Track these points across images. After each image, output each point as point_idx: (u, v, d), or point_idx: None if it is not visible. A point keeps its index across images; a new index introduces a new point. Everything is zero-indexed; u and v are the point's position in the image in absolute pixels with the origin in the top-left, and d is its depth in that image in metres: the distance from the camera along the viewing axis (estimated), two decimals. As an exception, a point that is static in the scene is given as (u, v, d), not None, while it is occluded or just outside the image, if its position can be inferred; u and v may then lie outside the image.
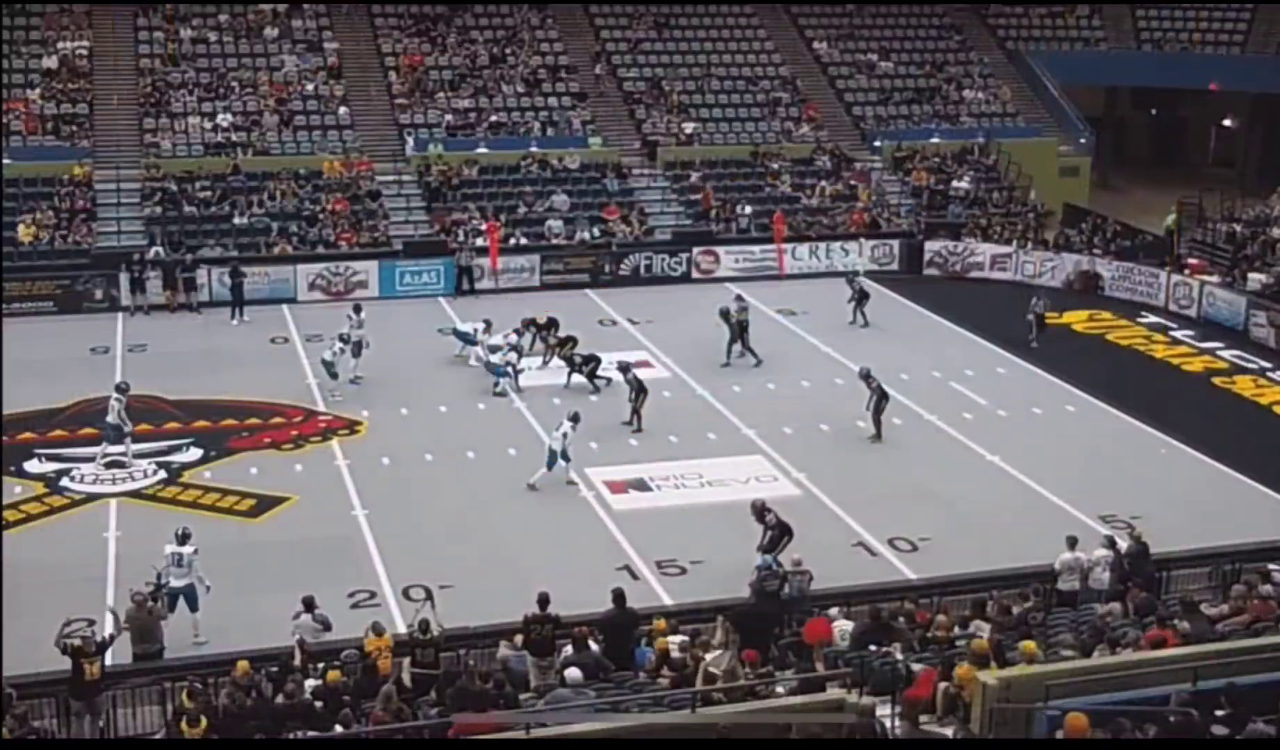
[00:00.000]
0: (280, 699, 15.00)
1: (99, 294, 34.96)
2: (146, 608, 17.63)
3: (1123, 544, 20.33)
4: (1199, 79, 50.96)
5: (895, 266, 39.94)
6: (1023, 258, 39.42)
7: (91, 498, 23.86)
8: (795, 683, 14.61)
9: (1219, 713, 11.11)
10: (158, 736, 15.58)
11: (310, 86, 42.99)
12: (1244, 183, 49.08)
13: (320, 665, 16.18)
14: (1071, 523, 22.04)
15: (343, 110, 42.47)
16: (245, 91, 42.46)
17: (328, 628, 17.67)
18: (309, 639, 17.32)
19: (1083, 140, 47.21)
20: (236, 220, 37.97)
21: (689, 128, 44.15)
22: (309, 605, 17.77)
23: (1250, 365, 32.42)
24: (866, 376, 27.31)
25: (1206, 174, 52.00)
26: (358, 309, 30.44)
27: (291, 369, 30.76)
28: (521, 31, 46.52)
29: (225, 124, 41.08)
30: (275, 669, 16.15)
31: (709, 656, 15.40)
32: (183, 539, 19.19)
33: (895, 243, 40.46)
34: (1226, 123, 55.87)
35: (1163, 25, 51.67)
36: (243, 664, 15.84)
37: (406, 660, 16.55)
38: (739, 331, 31.59)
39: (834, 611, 17.89)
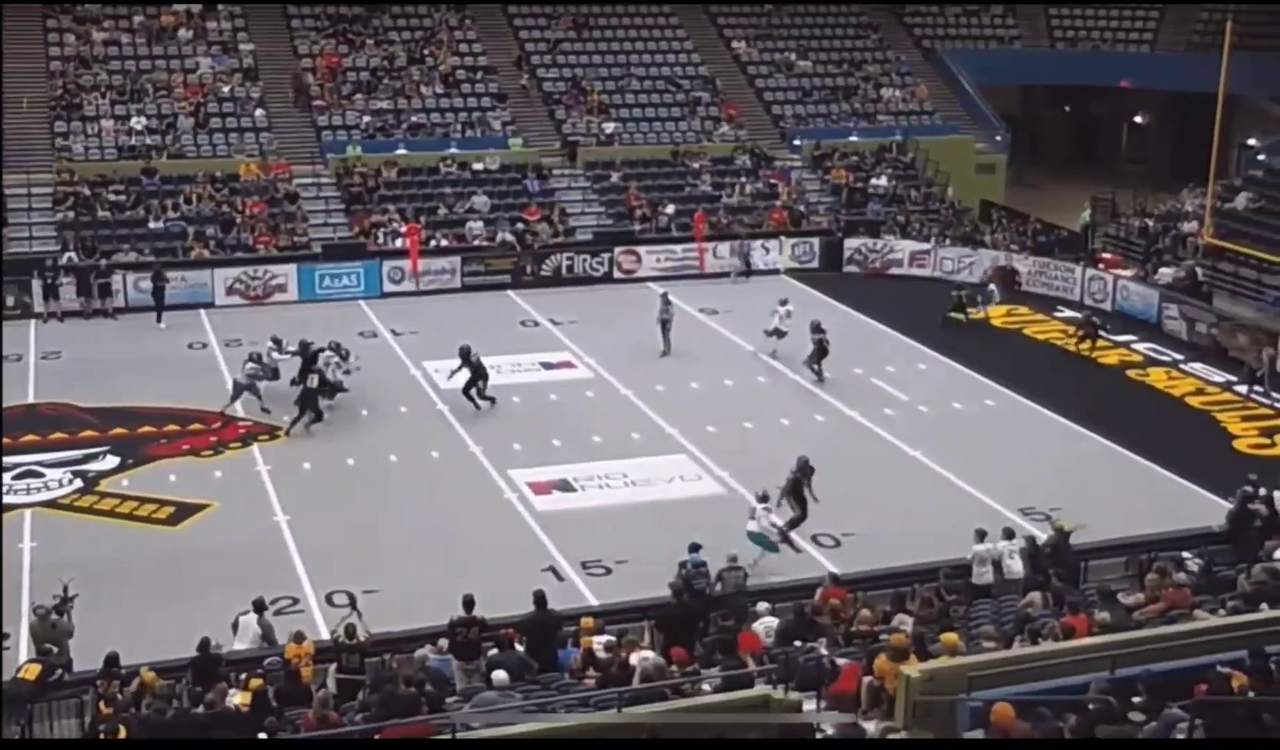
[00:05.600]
0: (201, 709, 14.81)
1: (11, 300, 34.31)
2: (50, 621, 17.31)
3: (1041, 536, 20.68)
4: (1111, 77, 51.79)
5: (815, 264, 40.18)
6: (941, 253, 39.85)
7: (6, 508, 23.39)
8: (721, 680, 14.66)
9: (1136, 699, 11.29)
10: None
11: (226, 88, 42.51)
12: (1156, 178, 49.90)
13: (244, 675, 16.01)
14: (992, 516, 22.31)
15: (259, 113, 42.04)
16: (159, 94, 41.90)
17: (268, 637, 17.51)
18: (249, 643, 17.30)
19: (999, 138, 47.76)
20: (152, 224, 37.46)
21: (609, 128, 44.17)
22: (259, 607, 17.77)
23: (1164, 358, 32.98)
24: (816, 327, 30.31)
25: (1120, 170, 52.93)
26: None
27: (210, 375, 30.36)
28: (440, 32, 46.31)
29: (139, 127, 40.50)
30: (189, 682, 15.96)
31: (634, 658, 15.42)
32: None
33: (815, 240, 40.70)
34: (1138, 120, 56.80)
35: (1075, 25, 52.44)
36: (148, 674, 15.71)
37: (333, 666, 16.43)
38: (664, 329, 31.98)
39: (762, 607, 17.98)
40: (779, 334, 31.79)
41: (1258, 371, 30.08)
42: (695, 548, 19.41)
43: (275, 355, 28.67)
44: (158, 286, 34.07)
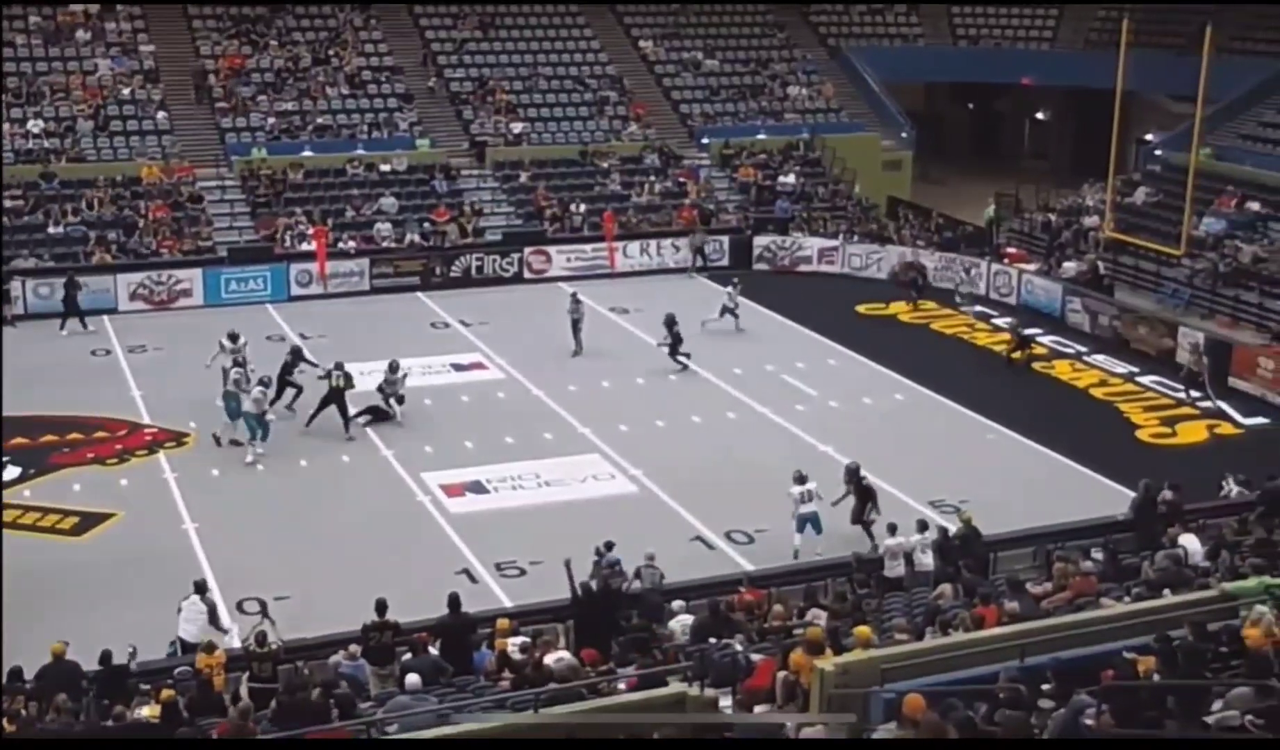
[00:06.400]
0: (110, 723, 14.55)
1: (-94, 309, 33.55)
2: None
3: (952, 528, 20.91)
4: (1013, 74, 52.57)
5: (725, 262, 40.31)
6: (849, 250, 40.19)
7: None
8: (637, 679, 14.66)
9: (1045, 687, 11.45)
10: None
11: (126, 90, 41.81)
12: (1057, 174, 50.76)
13: (148, 686, 15.74)
14: (902, 509, 22.52)
15: (161, 115, 41.39)
16: (57, 96, 41.11)
17: (213, 616, 17.87)
18: (195, 622, 17.61)
19: (904, 135, 48.27)
20: (51, 229, 36.75)
21: (517, 128, 44.04)
22: (200, 588, 18.00)
23: (1068, 350, 33.52)
24: (670, 321, 31.16)
25: (1022, 166, 53.75)
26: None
27: (114, 382, 29.89)
28: (344, 32, 45.90)
29: (37, 130, 39.70)
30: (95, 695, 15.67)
31: (550, 658, 15.38)
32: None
33: (725, 238, 40.86)
34: (1040, 116, 57.72)
35: (977, 23, 53.15)
36: (58, 645, 15.63)
37: (245, 675, 16.22)
38: (575, 328, 31.95)
39: (677, 604, 18.04)
40: (732, 312, 33.82)
41: (1197, 375, 30.17)
42: (609, 546, 19.40)
43: (232, 352, 27.78)
44: (69, 293, 33.42)
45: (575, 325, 31.99)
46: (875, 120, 48.35)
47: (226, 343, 27.94)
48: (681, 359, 31.00)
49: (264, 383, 26.35)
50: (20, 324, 33.76)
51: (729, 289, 34.46)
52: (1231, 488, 22.57)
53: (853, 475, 22.70)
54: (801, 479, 22.24)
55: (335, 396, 26.91)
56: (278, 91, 43.14)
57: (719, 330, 33.56)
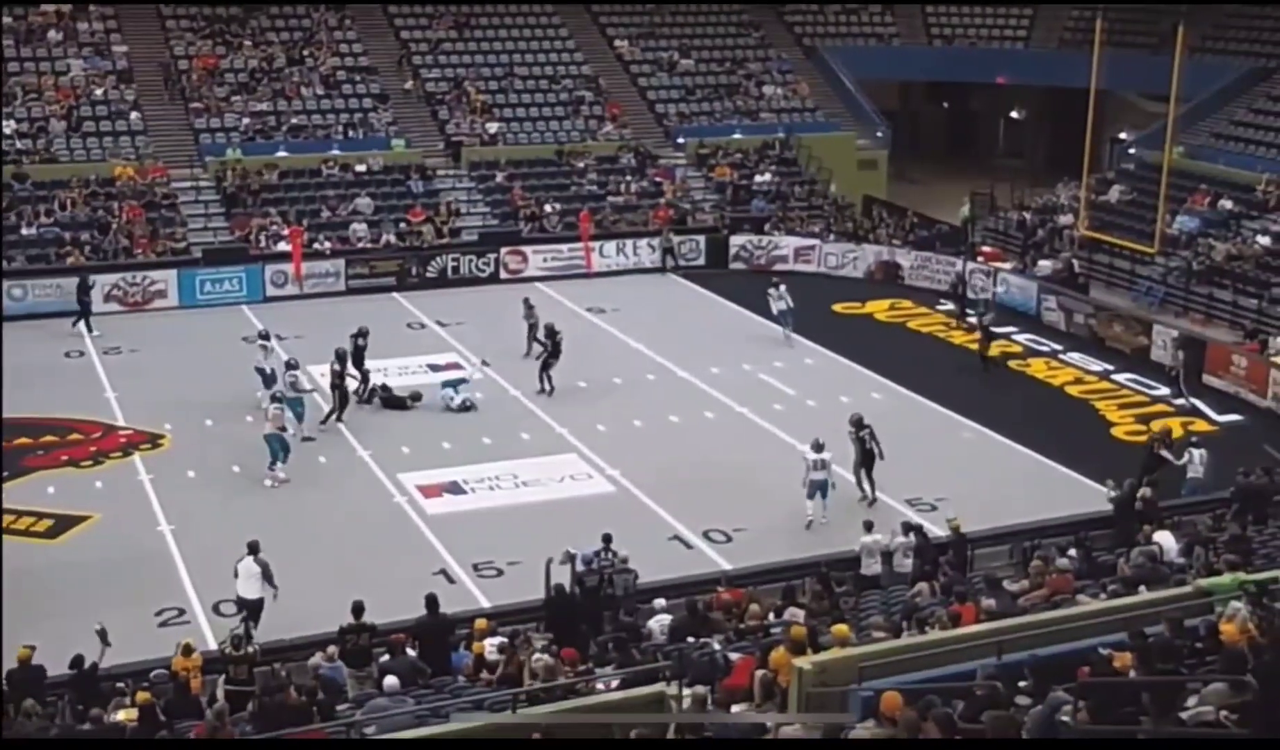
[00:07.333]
0: (88, 726, 14.49)
1: (-123, 312, 33.32)
2: None
3: (927, 525, 20.97)
4: (987, 73, 52.74)
5: (701, 261, 40.34)
6: (825, 249, 40.25)
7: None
8: (616, 679, 14.68)
9: (1022, 683, 11.49)
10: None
11: (99, 91, 41.60)
12: (1032, 172, 50.95)
13: (120, 684, 15.69)
14: (879, 508, 22.63)
15: (134, 115, 41.20)
16: (29, 97, 40.88)
17: (267, 574, 18.61)
18: (254, 581, 18.55)
19: (879, 134, 48.35)
20: (25, 231, 36.54)
21: (493, 128, 43.98)
22: (253, 549, 18.71)
23: (1043, 348, 33.64)
24: (551, 331, 29.67)
25: (997, 165, 53.93)
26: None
27: (88, 383, 29.74)
28: (319, 32, 45.76)
29: (9, 131, 39.45)
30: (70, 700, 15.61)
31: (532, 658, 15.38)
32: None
33: (701, 238, 40.87)
34: (1014, 115, 57.92)
35: (952, 22, 53.30)
36: (24, 650, 15.62)
37: (221, 677, 16.17)
38: (531, 333, 31.63)
39: (657, 604, 18.05)
40: (787, 316, 33.24)
41: (1171, 371, 30.29)
42: (608, 539, 19.34)
43: (270, 350, 28.38)
44: (82, 299, 33.24)
45: (532, 330, 31.62)
46: (850, 119, 48.42)
47: (267, 343, 28.47)
48: (547, 378, 29.29)
49: (276, 398, 25.73)
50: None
51: (772, 291, 33.53)
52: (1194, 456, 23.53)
53: (858, 424, 23.70)
54: (819, 447, 22.90)
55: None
56: (252, 92, 42.99)
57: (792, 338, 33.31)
